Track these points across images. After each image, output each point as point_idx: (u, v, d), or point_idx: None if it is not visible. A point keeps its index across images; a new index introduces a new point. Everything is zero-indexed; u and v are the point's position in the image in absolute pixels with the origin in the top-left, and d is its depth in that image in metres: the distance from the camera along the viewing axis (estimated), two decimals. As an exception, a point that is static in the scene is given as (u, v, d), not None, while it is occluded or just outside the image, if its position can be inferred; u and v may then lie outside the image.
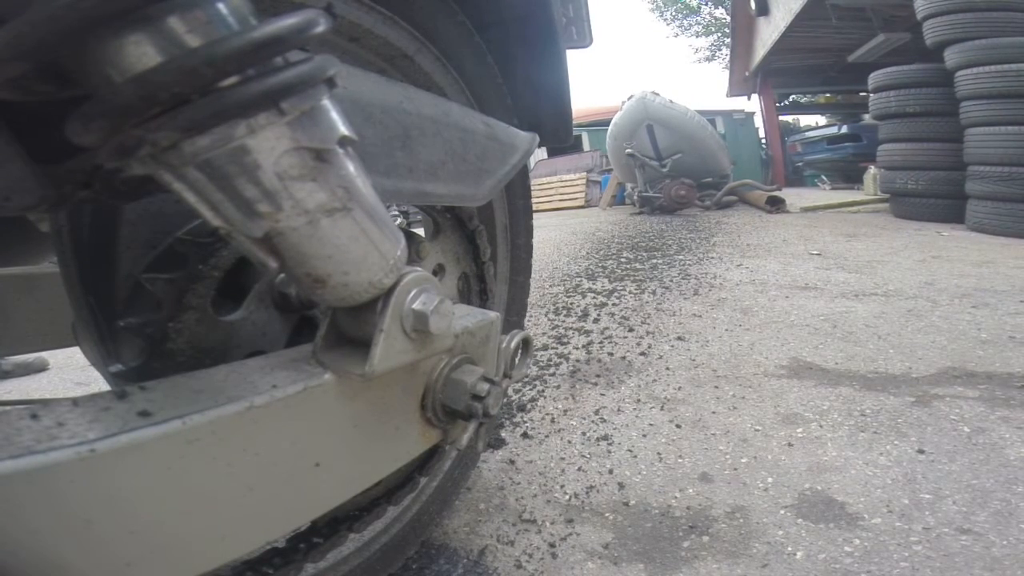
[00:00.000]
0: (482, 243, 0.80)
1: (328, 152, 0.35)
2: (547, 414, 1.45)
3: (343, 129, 0.36)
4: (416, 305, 0.44)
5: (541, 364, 1.83)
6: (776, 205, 5.98)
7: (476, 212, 0.80)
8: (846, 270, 2.88)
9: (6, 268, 0.79)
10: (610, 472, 1.17)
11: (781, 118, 11.96)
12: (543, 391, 1.61)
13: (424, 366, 0.51)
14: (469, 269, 0.81)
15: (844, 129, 9.41)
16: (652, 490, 1.09)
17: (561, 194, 9.36)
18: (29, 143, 0.36)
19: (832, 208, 6.05)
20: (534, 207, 1.14)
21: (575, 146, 10.76)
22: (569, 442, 1.30)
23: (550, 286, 2.98)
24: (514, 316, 1.11)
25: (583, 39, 1.20)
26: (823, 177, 9.65)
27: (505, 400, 1.11)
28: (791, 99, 13.19)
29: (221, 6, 0.30)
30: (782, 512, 0.99)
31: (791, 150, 10.79)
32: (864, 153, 8.02)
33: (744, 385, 1.54)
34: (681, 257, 3.59)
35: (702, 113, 6.91)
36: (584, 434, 1.33)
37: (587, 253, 3.99)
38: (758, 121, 12.04)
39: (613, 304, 2.52)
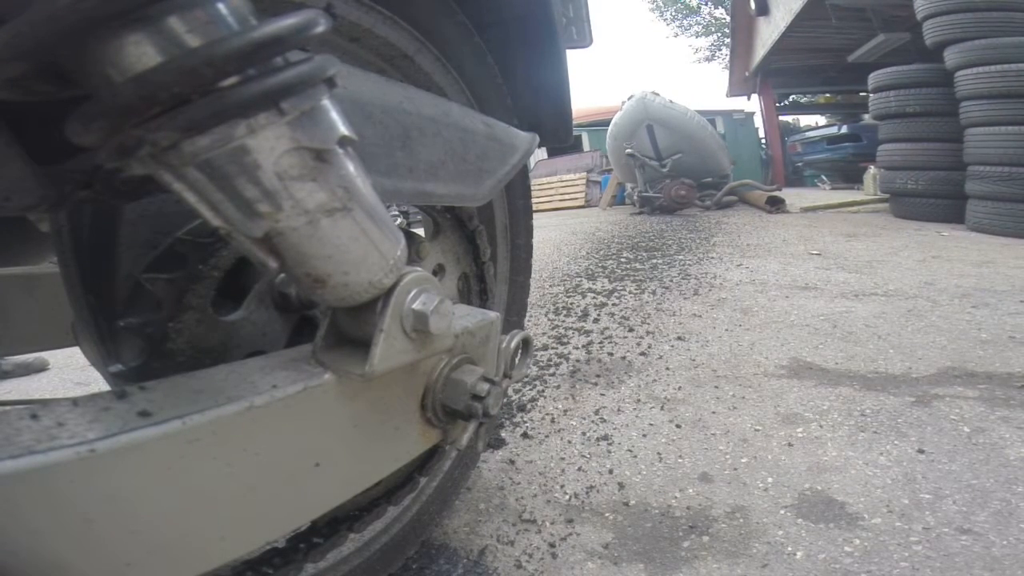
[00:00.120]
0: (482, 243, 0.80)
1: (328, 152, 0.35)
2: (547, 414, 1.45)
3: (343, 129, 0.36)
4: (416, 305, 0.44)
5: (541, 364, 1.83)
6: (776, 205, 5.98)
7: (476, 212, 0.80)
8: (846, 270, 2.88)
9: (6, 268, 0.79)
10: (610, 472, 1.17)
11: (781, 118, 11.96)
12: (543, 391, 1.61)
13: (424, 366, 0.51)
14: (469, 269, 0.81)
15: (844, 129, 9.41)
16: (652, 490, 1.09)
17: (561, 194, 9.36)
18: (29, 143, 0.36)
19: (832, 208, 6.05)
20: (534, 207, 1.14)
21: (575, 146, 10.76)
22: (569, 442, 1.30)
23: (550, 286, 2.98)
24: (514, 316, 1.11)
25: (583, 39, 1.20)
26: (823, 177, 9.65)
27: (505, 400, 1.11)
28: (791, 99, 13.19)
29: (221, 6, 0.30)
30: (782, 512, 0.99)
31: (791, 150, 10.79)
32: (864, 153, 8.02)
33: (744, 385, 1.54)
34: (681, 257, 3.59)
35: (702, 113, 6.91)
36: (584, 434, 1.33)
37: (587, 253, 3.99)
38: (758, 121, 12.05)
39: (613, 304, 2.52)
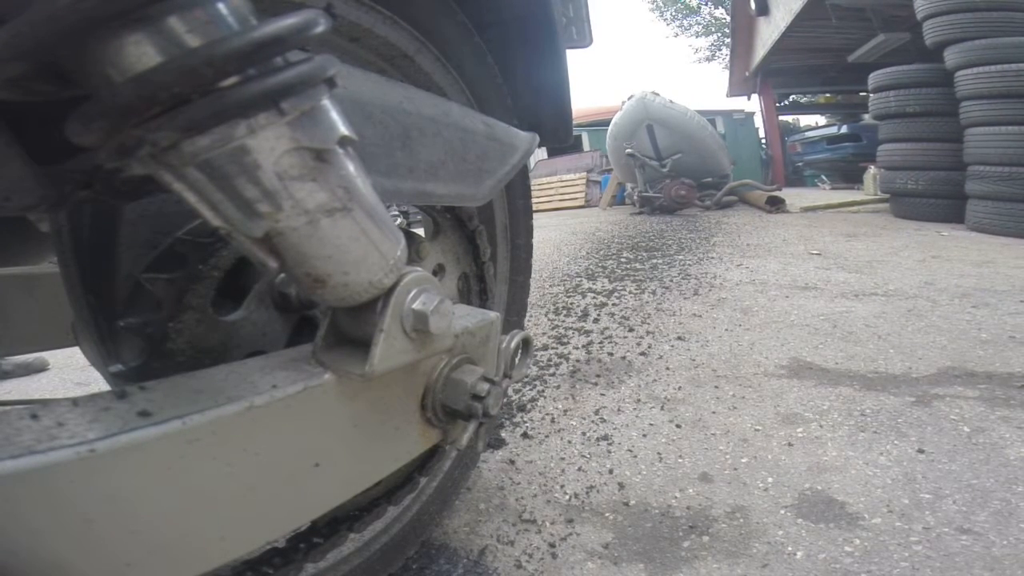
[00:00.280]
0: (482, 243, 0.80)
1: (328, 152, 0.35)
2: (547, 414, 1.45)
3: (343, 129, 0.36)
4: (416, 305, 0.44)
5: (541, 364, 1.83)
6: (776, 205, 5.98)
7: (476, 212, 0.80)
8: (846, 270, 2.88)
9: (6, 268, 0.79)
10: (610, 472, 1.17)
11: (781, 118, 11.96)
12: (543, 391, 1.61)
13: (424, 366, 0.51)
14: (469, 269, 0.81)
15: (844, 129, 9.42)
16: (652, 490, 1.09)
17: (561, 194, 9.36)
18: (29, 143, 0.36)
19: (832, 208, 6.05)
20: (534, 207, 1.14)
21: (575, 146, 10.76)
22: (569, 442, 1.30)
23: (550, 286, 2.98)
24: (514, 316, 1.11)
25: (583, 39, 1.20)
26: (823, 177, 9.65)
27: (505, 400, 1.12)
28: (791, 99, 13.18)
29: (221, 6, 0.30)
30: (782, 512, 0.99)
31: (791, 150, 10.80)
32: (864, 153, 8.03)
33: (744, 385, 1.54)
34: (681, 257, 3.59)
35: (702, 113, 6.91)
36: (584, 434, 1.33)
37: (587, 253, 3.99)
38: (758, 121, 12.05)
39: (613, 304, 2.52)
